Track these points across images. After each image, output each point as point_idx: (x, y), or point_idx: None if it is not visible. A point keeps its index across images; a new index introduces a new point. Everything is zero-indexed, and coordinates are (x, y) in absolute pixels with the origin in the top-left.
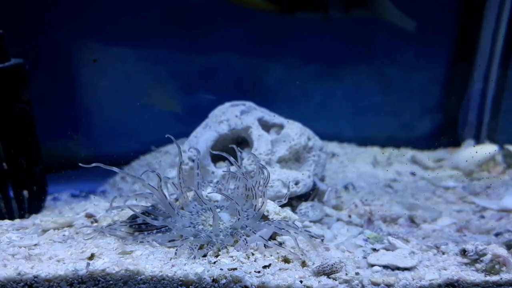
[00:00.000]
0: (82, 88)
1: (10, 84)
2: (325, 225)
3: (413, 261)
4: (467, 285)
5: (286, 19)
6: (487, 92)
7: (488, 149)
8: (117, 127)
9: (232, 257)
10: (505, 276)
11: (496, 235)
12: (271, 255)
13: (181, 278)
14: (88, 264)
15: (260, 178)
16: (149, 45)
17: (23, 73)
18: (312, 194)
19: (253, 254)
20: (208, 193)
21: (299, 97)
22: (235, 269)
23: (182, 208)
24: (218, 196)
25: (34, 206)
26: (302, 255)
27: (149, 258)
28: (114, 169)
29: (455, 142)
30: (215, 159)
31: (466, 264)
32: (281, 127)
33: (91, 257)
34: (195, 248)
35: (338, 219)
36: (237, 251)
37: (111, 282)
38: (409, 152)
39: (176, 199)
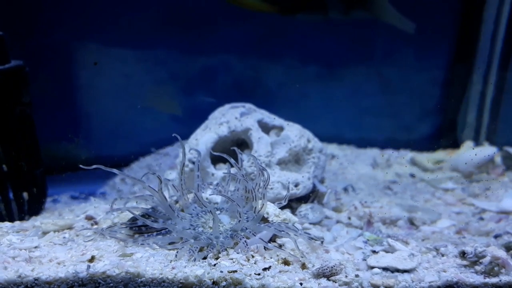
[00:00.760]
0: (82, 90)
1: (10, 86)
2: (325, 227)
3: (412, 263)
4: (467, 287)
5: (286, 20)
6: (486, 94)
7: (487, 151)
8: (117, 128)
9: (232, 259)
10: (504, 278)
11: (495, 237)
12: (271, 257)
13: (181, 281)
14: (89, 267)
15: (260, 180)
16: (149, 46)
17: (23, 75)
18: (311, 196)
19: (253, 257)
20: (209, 194)
21: (299, 98)
22: (235, 271)
23: (182, 210)
24: (217, 198)
25: (34, 208)
26: (302, 257)
27: (150, 261)
28: (114, 170)
29: (455, 144)
30: (215, 161)
31: (465, 266)
32: (280, 129)
33: (92, 259)
34: (195, 250)
35: (338, 221)
36: (237, 253)
37: (111, 284)
38: (408, 154)
39: (176, 201)
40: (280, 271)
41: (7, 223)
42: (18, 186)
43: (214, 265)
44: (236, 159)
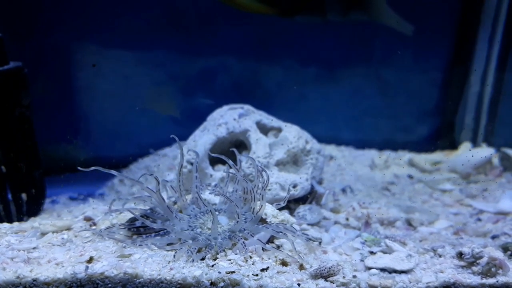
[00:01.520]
0: (81, 91)
1: (10, 87)
2: (323, 228)
3: (410, 264)
4: (464, 287)
5: (285, 22)
6: (483, 95)
7: (485, 152)
8: (115, 130)
9: (230, 260)
10: (501, 279)
11: (493, 237)
12: (269, 258)
13: (179, 281)
14: (87, 268)
15: (258, 181)
16: (148, 48)
17: (22, 76)
18: (310, 197)
19: (251, 257)
20: (208, 194)
21: (298, 100)
22: (233, 272)
23: (181, 211)
24: (216, 200)
25: (32, 209)
26: (299, 258)
27: (148, 262)
28: (113, 172)
29: (452, 145)
30: (213, 162)
31: (462, 267)
32: (279, 130)
33: (90, 260)
34: (194, 251)
35: (336, 222)
36: (235, 254)
37: (110, 285)
38: (406, 155)
39: (175, 203)
40: (278, 272)
41: (5, 224)
42: (17, 187)
43: (212, 266)
44: (234, 160)
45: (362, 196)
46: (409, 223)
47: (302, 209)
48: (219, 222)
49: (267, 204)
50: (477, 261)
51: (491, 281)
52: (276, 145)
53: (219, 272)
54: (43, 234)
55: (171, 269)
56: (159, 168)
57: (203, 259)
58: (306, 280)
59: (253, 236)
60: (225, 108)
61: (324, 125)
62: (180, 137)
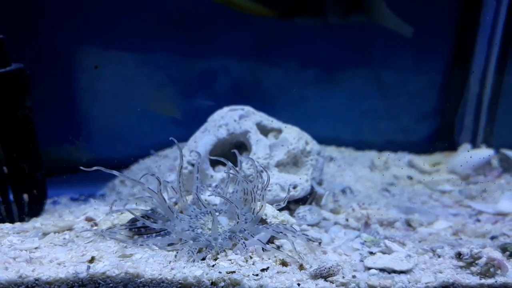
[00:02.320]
0: (83, 92)
1: (12, 89)
2: (323, 229)
3: (409, 264)
4: (463, 287)
5: (285, 24)
6: (483, 97)
7: (484, 153)
8: (116, 131)
9: (230, 260)
10: (500, 279)
11: (492, 238)
12: (269, 259)
13: (180, 281)
14: (89, 267)
15: (258, 182)
16: (149, 50)
17: (24, 78)
18: (310, 198)
19: (251, 258)
20: (208, 195)
21: (298, 101)
22: (234, 272)
23: (181, 212)
24: (216, 200)
25: (34, 210)
26: (299, 258)
27: (149, 261)
28: (114, 172)
29: (452, 146)
30: (214, 163)
31: (461, 267)
32: (279, 131)
33: (92, 260)
34: (194, 251)
35: (336, 223)
36: (236, 254)
37: (111, 285)
38: (406, 156)
39: (175, 203)
40: (278, 272)
41: (7, 224)
42: (18, 188)
43: (213, 266)
44: (235, 161)
45: (361, 197)
46: (408, 224)
47: (302, 209)
48: (220, 222)
49: (267, 204)
50: (476, 262)
51: (489, 281)
52: (276, 146)
53: (220, 272)
54: (45, 234)
55: (172, 269)
56: (159, 169)
57: (203, 259)
58: (306, 280)
59: (253, 237)
60: (225, 109)
61: (324, 126)
62: (181, 138)
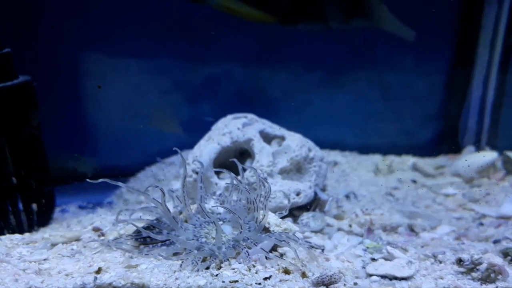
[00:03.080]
0: (88, 100)
1: (20, 101)
2: (326, 235)
3: (410, 270)
4: None
5: (287, 30)
6: (486, 98)
7: (488, 155)
8: (123, 138)
9: (234, 269)
10: (500, 285)
11: (494, 242)
12: (272, 267)
13: None
14: (96, 278)
15: (261, 190)
16: (153, 57)
17: (32, 90)
18: (313, 204)
19: (254, 266)
20: (212, 206)
21: (302, 105)
22: (237, 281)
23: (186, 221)
24: (220, 208)
25: (43, 219)
26: (302, 266)
27: (154, 272)
28: (120, 184)
29: (456, 149)
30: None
31: (462, 273)
32: (282, 138)
33: (99, 271)
34: (198, 260)
35: (339, 229)
36: (239, 263)
37: None
38: (410, 160)
39: (180, 212)
40: (280, 280)
41: (17, 235)
42: (27, 198)
43: (216, 275)
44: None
45: (365, 202)
46: (411, 228)
47: (305, 216)
48: (223, 231)
49: (270, 213)
50: (477, 267)
51: (490, 286)
52: (280, 153)
53: (223, 281)
54: (53, 245)
55: (176, 278)
56: (166, 176)
57: (207, 268)
58: None
59: (256, 245)
60: (229, 117)
61: (329, 130)
62: (186, 144)
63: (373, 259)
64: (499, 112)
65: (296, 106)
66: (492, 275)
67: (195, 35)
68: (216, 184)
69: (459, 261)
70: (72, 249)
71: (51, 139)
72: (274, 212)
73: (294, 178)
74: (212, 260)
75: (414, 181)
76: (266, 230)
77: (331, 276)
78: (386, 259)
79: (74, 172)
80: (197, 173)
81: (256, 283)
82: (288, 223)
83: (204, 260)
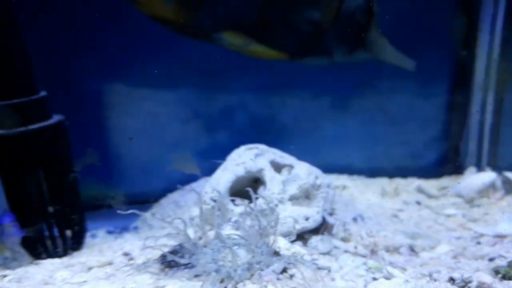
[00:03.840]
0: (113, 131)
1: (55, 138)
2: (333, 257)
3: None
4: None
5: (295, 64)
6: (484, 120)
7: (488, 176)
8: (146, 167)
9: None
10: None
11: (490, 260)
12: (282, 287)
13: None
14: None
15: (272, 218)
16: (173, 90)
17: (64, 128)
18: (321, 228)
19: (266, 286)
20: (227, 234)
21: (311, 132)
22: None
23: (205, 246)
24: (236, 233)
25: (76, 245)
26: (309, 286)
27: None
28: (147, 214)
29: (459, 170)
30: (234, 196)
31: None
32: (291, 167)
33: None
34: (217, 282)
35: (346, 251)
36: (253, 283)
37: None
38: (415, 182)
39: (200, 238)
40: None
41: (57, 260)
42: (62, 226)
43: None
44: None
45: (372, 224)
46: (412, 249)
47: (314, 239)
48: (238, 255)
49: (280, 238)
50: (468, 285)
51: None
52: (289, 181)
53: None
54: (89, 268)
55: None
56: (186, 203)
57: None
58: None
59: (268, 268)
60: (242, 148)
61: (337, 155)
62: (204, 169)
63: (374, 279)
64: (498, 131)
65: (306, 132)
66: None
67: (212, 70)
68: (232, 210)
69: (452, 280)
70: (106, 272)
71: (81, 169)
72: (285, 236)
73: (303, 204)
74: (229, 281)
75: (418, 203)
76: (276, 254)
77: None
78: (386, 278)
79: (102, 199)
80: (214, 201)
81: None
82: (297, 247)
83: (222, 281)
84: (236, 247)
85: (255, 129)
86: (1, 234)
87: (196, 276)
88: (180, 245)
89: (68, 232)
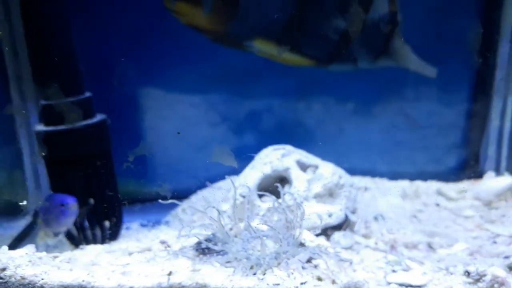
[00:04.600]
0: (148, 132)
1: (98, 135)
2: (355, 251)
3: (424, 280)
4: None
5: (321, 70)
6: (504, 127)
7: (506, 180)
8: (177, 165)
9: (276, 275)
10: None
11: (505, 258)
12: (307, 275)
13: None
14: (169, 279)
15: (298, 212)
16: (204, 93)
17: (106, 126)
18: (344, 225)
19: (292, 273)
20: (257, 224)
21: (336, 136)
22: (278, 284)
23: (236, 236)
24: (264, 227)
25: (113, 235)
26: (332, 275)
27: (213, 275)
28: (199, 210)
29: (478, 174)
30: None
31: (470, 283)
32: (316, 167)
33: (170, 273)
34: (247, 268)
35: (366, 246)
36: (280, 271)
37: None
38: (435, 185)
39: (231, 229)
40: (314, 285)
41: (98, 246)
42: (101, 217)
43: (262, 279)
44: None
45: (392, 223)
46: (430, 246)
47: (337, 235)
48: (267, 245)
49: (305, 230)
50: (482, 278)
51: None
52: (314, 180)
53: (267, 284)
54: (130, 253)
55: (230, 280)
56: (215, 199)
57: (254, 274)
58: None
59: (294, 257)
60: (270, 148)
61: (360, 158)
62: (232, 170)
63: (393, 271)
64: None
65: (331, 136)
66: (496, 285)
67: (241, 75)
68: (259, 206)
69: (467, 273)
70: (146, 257)
71: (118, 166)
72: (309, 230)
73: (327, 202)
74: (258, 268)
75: (437, 205)
76: (302, 245)
77: (356, 283)
78: (404, 270)
79: (136, 194)
80: (243, 196)
81: (294, 286)
82: (321, 240)
83: (251, 268)
84: (264, 238)
85: (281, 132)
86: (60, 214)
87: (228, 262)
88: (213, 234)
89: (107, 223)
